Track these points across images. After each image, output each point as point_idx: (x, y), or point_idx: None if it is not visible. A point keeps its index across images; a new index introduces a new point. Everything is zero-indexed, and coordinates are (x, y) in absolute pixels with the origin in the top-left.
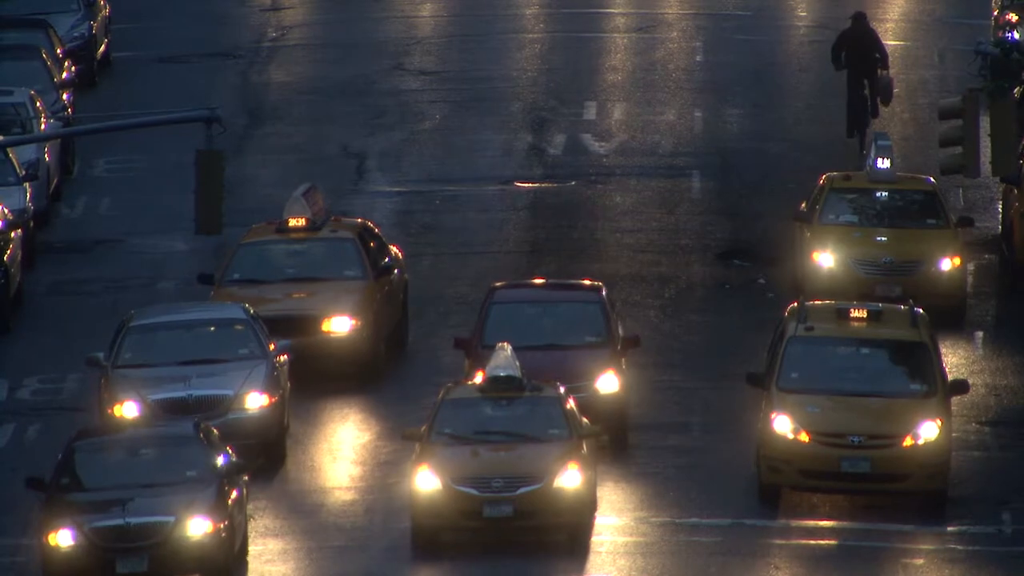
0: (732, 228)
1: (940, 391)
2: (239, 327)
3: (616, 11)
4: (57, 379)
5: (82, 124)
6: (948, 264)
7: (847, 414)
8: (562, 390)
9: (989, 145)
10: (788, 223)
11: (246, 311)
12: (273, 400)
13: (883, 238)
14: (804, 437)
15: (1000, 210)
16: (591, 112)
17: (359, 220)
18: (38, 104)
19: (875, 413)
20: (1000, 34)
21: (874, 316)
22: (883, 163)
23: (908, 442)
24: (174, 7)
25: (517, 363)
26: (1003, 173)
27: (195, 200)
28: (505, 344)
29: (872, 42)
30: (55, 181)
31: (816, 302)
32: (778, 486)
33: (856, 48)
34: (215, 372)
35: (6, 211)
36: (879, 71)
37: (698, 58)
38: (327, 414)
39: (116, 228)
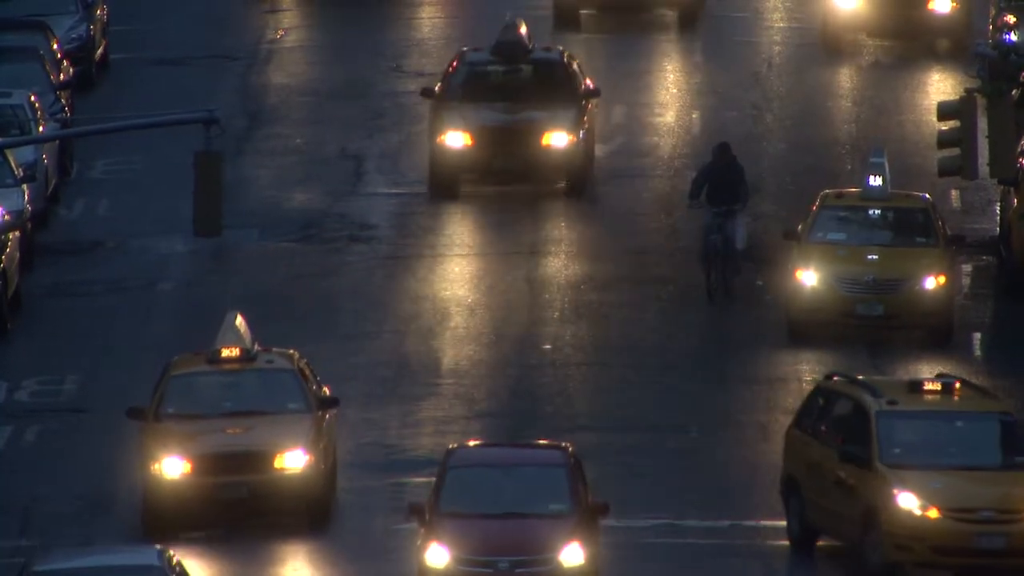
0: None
1: None
2: None
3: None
4: (55, 381)
5: (80, 126)
6: (932, 283)
7: (973, 488)
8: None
9: (987, 147)
10: (791, 220)
11: (161, 556)
12: None
13: (873, 256)
14: (933, 513)
15: (998, 212)
16: None
17: (290, 351)
18: (36, 106)
19: (999, 486)
20: (998, 36)
21: (947, 389)
22: (875, 181)
23: None
24: (172, 9)
25: None
26: (1001, 175)
27: (194, 202)
28: None
29: (736, 178)
30: (53, 183)
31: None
32: (904, 564)
33: (719, 183)
34: None
35: (4, 213)
36: (738, 215)
37: (696, 60)
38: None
39: (115, 230)
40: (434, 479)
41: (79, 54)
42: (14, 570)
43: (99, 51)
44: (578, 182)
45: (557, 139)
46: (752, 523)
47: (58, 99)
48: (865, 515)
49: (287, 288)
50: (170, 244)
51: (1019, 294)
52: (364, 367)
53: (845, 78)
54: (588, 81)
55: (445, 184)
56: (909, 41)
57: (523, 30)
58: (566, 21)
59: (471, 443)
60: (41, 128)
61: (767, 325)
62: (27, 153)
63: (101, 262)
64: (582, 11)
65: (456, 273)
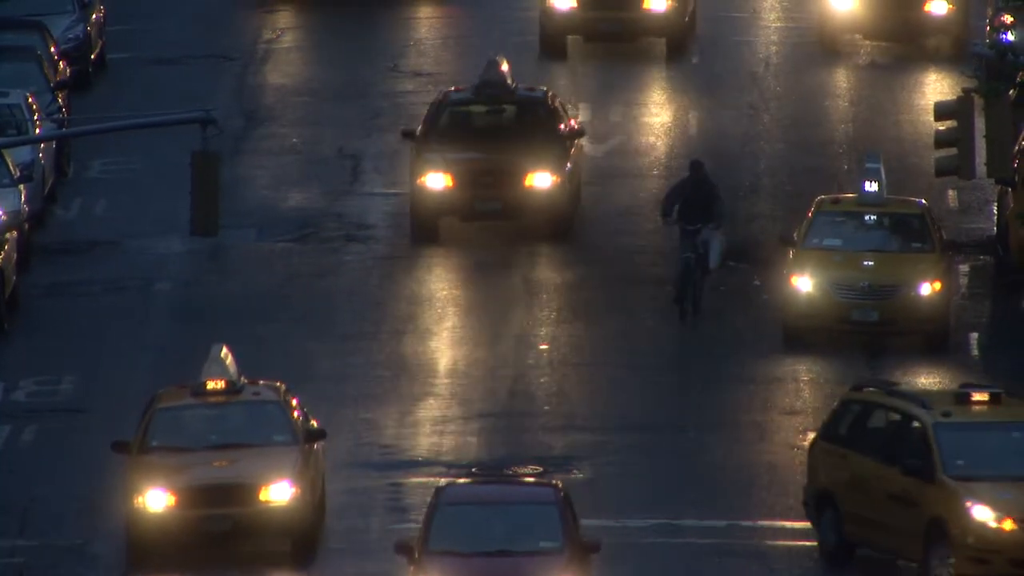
0: (727, 229)
1: None
2: None
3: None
4: (53, 381)
5: (77, 126)
6: (928, 289)
7: None
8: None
9: (984, 147)
10: (787, 220)
11: None
12: None
13: (868, 262)
14: (1008, 525)
15: (995, 211)
16: (586, 114)
17: (277, 383)
18: (33, 106)
19: None
20: (995, 35)
21: (995, 400)
22: (871, 186)
23: None
24: (169, 9)
25: None
26: (998, 175)
27: (191, 202)
28: None
29: (709, 196)
30: (50, 183)
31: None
32: None
33: (692, 200)
34: None
35: (1, 213)
36: (713, 232)
37: (694, 60)
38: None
39: (112, 230)
40: (423, 517)
41: (76, 54)
42: None
43: (96, 51)
44: (562, 223)
45: (540, 179)
46: (749, 523)
47: (55, 99)
48: (929, 528)
49: (284, 288)
50: (167, 244)
51: (1017, 293)
52: (361, 367)
53: (842, 78)
54: (572, 121)
55: (426, 227)
56: (905, 43)
57: (505, 67)
58: (552, 46)
59: (460, 481)
60: (38, 128)
61: (764, 325)
62: (24, 153)
63: (98, 262)
64: (569, 36)
65: (453, 273)
